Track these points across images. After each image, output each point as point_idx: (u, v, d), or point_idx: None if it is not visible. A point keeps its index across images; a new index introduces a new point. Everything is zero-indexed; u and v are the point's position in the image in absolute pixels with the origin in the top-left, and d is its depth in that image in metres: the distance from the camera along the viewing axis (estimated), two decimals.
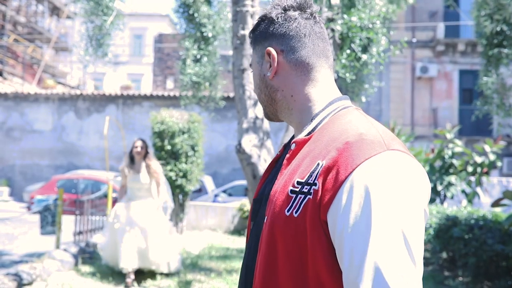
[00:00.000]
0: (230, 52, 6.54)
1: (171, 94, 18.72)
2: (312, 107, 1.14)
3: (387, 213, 0.88)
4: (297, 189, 0.99)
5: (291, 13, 1.15)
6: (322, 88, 1.14)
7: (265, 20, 1.18)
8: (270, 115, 1.23)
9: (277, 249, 1.01)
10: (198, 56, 6.21)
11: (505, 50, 6.36)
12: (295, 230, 0.97)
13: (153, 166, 6.10)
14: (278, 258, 1.01)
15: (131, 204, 6.12)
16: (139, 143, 6.15)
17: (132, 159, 6.16)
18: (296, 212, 0.98)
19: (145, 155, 6.17)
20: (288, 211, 0.99)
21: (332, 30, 4.79)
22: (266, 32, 1.17)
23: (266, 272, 1.03)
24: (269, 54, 1.15)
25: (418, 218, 0.91)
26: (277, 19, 1.15)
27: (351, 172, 0.92)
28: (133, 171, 6.10)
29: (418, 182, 0.93)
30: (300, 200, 0.98)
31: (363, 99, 6.13)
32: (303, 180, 0.99)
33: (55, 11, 26.57)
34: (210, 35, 6.20)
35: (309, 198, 0.96)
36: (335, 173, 0.94)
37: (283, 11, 1.16)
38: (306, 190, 0.98)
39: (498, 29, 6.28)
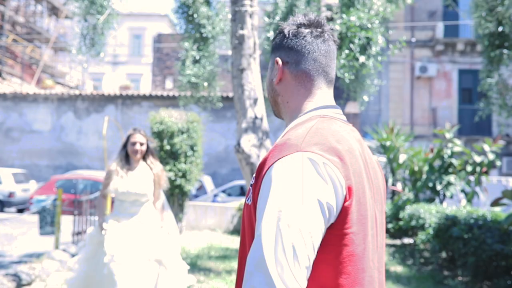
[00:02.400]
0: (229, 52, 6.53)
1: (170, 94, 18.70)
2: (298, 115, 1.32)
3: (275, 198, 1.10)
4: (251, 182, 1.24)
5: (301, 30, 1.32)
6: (314, 101, 1.31)
7: (280, 33, 1.36)
8: (276, 114, 1.43)
9: (245, 231, 1.26)
10: (197, 57, 6.21)
11: (506, 51, 6.37)
12: (249, 215, 1.23)
13: (159, 172, 4.38)
14: (246, 238, 1.25)
15: (126, 225, 4.18)
16: (138, 137, 4.29)
17: (126, 159, 4.33)
18: (249, 200, 1.24)
19: (146, 154, 4.39)
20: (247, 200, 1.25)
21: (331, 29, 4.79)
22: (278, 43, 1.36)
23: (241, 251, 1.29)
24: (277, 62, 1.34)
25: (300, 203, 1.08)
26: (288, 34, 1.33)
27: (269, 168, 1.16)
28: (128, 176, 4.25)
29: (308, 177, 1.11)
30: (251, 191, 1.23)
31: (366, 98, 6.13)
32: (254, 175, 1.24)
33: (53, 11, 26.54)
34: (209, 35, 6.19)
35: (252, 189, 1.23)
36: (262, 169, 1.20)
37: (295, 28, 1.34)
38: (252, 182, 1.24)
39: (500, 30, 6.30)
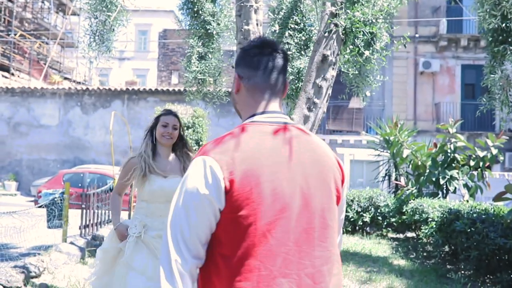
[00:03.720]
0: (234, 48, 6.59)
1: (176, 89, 18.77)
2: (245, 121, 1.57)
3: (177, 191, 1.44)
4: None
5: (254, 50, 1.58)
6: (257, 109, 1.55)
7: (239, 53, 1.63)
8: (240, 118, 1.66)
9: None
10: (203, 54, 6.26)
11: (510, 47, 6.38)
12: None
13: None
14: None
15: (154, 240, 3.18)
16: (170, 119, 3.40)
17: (153, 147, 3.38)
18: None
19: (178, 143, 3.48)
20: None
21: (336, 25, 4.83)
22: (237, 61, 1.63)
23: None
24: (235, 77, 1.61)
25: (185, 195, 1.40)
26: (244, 54, 1.61)
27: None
28: (157, 171, 3.30)
29: (196, 175, 1.40)
30: None
31: (368, 93, 6.18)
32: None
33: (61, 7, 26.66)
34: (214, 32, 6.25)
35: None
36: None
37: (249, 48, 1.60)
38: None
39: (503, 25, 6.31)
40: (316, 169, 1.49)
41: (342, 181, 1.57)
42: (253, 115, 1.54)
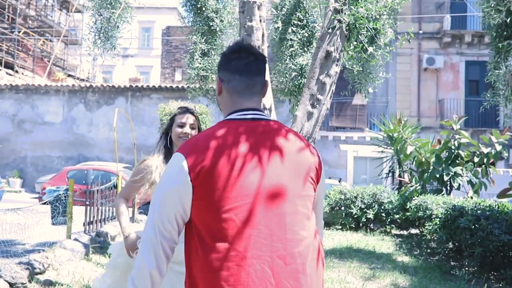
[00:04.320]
0: None
1: (179, 86, 18.78)
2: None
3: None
4: None
5: (232, 55, 1.73)
6: (234, 109, 1.70)
7: (221, 57, 1.78)
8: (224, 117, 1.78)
9: None
10: (206, 50, 6.26)
11: None
12: None
13: None
14: None
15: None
16: (187, 118, 3.03)
17: (169, 150, 3.01)
18: None
19: None
20: None
21: (339, 21, 4.82)
22: (219, 65, 1.78)
23: None
24: (218, 80, 1.76)
25: (160, 185, 1.62)
26: (223, 59, 1.76)
27: None
28: None
29: (171, 169, 1.60)
30: None
31: (370, 90, 6.16)
32: None
33: (64, 4, 26.69)
34: (217, 28, 6.24)
35: None
36: None
37: (228, 54, 1.75)
38: None
39: (508, 20, 6.27)
40: (289, 159, 1.62)
41: (319, 171, 1.70)
42: (229, 114, 1.71)
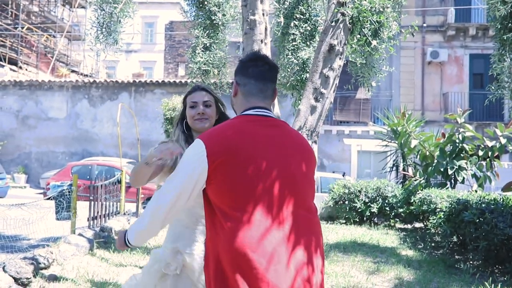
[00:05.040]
0: (239, 39, 6.56)
1: (183, 81, 18.77)
2: None
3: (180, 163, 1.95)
4: None
5: (249, 63, 2.02)
6: (249, 107, 1.97)
7: (239, 63, 2.06)
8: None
9: None
10: (208, 44, 6.25)
11: None
12: None
13: None
14: None
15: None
16: (198, 96, 2.56)
17: (188, 135, 2.57)
18: None
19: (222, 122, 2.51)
20: None
21: (343, 14, 4.79)
22: (236, 70, 2.05)
23: None
24: (234, 83, 2.05)
25: (183, 167, 1.89)
26: (241, 65, 2.04)
27: None
28: None
29: (192, 153, 1.87)
30: None
31: (374, 83, 6.14)
32: None
33: (67, 0, 26.68)
34: (219, 22, 6.22)
35: None
36: None
37: (245, 61, 2.04)
38: None
39: None
40: (295, 150, 1.94)
41: (314, 163, 2.06)
42: (245, 110, 1.98)
